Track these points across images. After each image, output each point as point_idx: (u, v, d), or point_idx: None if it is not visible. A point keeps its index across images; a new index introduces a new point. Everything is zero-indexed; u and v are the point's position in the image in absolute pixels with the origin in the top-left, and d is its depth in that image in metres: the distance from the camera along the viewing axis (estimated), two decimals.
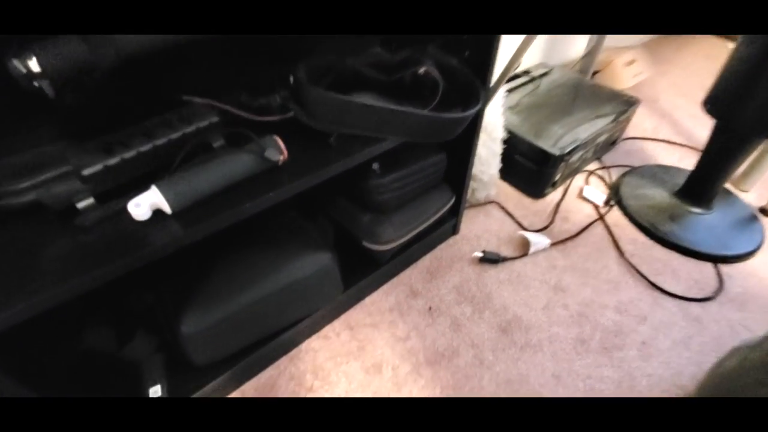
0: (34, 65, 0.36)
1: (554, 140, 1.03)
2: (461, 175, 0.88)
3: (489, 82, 0.72)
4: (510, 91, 1.22)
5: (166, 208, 0.44)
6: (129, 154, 0.44)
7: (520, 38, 0.80)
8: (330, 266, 0.71)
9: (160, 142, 0.46)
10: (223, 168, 0.48)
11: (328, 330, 0.82)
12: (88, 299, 0.66)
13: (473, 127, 0.78)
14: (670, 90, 1.62)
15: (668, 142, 1.34)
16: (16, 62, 0.35)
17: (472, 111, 0.60)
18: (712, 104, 0.89)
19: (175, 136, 0.47)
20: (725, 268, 0.94)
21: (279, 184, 0.52)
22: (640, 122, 1.42)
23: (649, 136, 1.36)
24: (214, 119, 0.49)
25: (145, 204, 0.44)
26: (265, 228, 0.73)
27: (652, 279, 0.91)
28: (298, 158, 0.55)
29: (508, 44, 0.68)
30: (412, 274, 0.92)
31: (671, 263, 0.96)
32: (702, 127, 1.41)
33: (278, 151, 0.52)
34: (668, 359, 0.78)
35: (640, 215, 1.05)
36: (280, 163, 0.53)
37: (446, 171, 0.86)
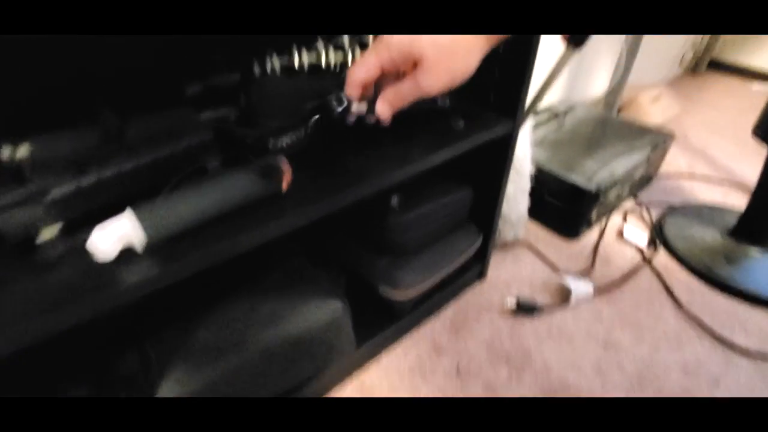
0: None
1: (588, 175, 0.94)
2: (489, 213, 0.78)
3: (524, 101, 0.65)
4: (534, 127, 1.16)
5: (140, 239, 0.36)
6: (106, 174, 0.36)
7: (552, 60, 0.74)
8: (341, 317, 0.60)
9: (144, 160, 0.38)
10: (214, 192, 0.40)
11: (337, 393, 0.69)
12: (70, 361, 0.55)
13: (504, 158, 0.70)
14: (700, 127, 1.54)
15: (708, 179, 1.24)
16: None
17: None
18: (765, 130, 0.81)
19: (162, 154, 0.39)
20: None
21: (281, 213, 0.43)
22: (672, 159, 1.33)
23: (684, 173, 1.26)
24: (207, 135, 0.42)
25: (110, 236, 0.35)
26: (269, 275, 0.64)
27: (718, 333, 0.77)
28: (304, 185, 0.46)
29: (540, 65, 0.61)
30: (434, 327, 0.80)
31: (736, 313, 0.82)
32: (742, 163, 1.31)
33: (279, 174, 0.44)
34: None
35: (692, 258, 0.92)
36: (283, 189, 0.45)
37: (471, 208, 0.76)
